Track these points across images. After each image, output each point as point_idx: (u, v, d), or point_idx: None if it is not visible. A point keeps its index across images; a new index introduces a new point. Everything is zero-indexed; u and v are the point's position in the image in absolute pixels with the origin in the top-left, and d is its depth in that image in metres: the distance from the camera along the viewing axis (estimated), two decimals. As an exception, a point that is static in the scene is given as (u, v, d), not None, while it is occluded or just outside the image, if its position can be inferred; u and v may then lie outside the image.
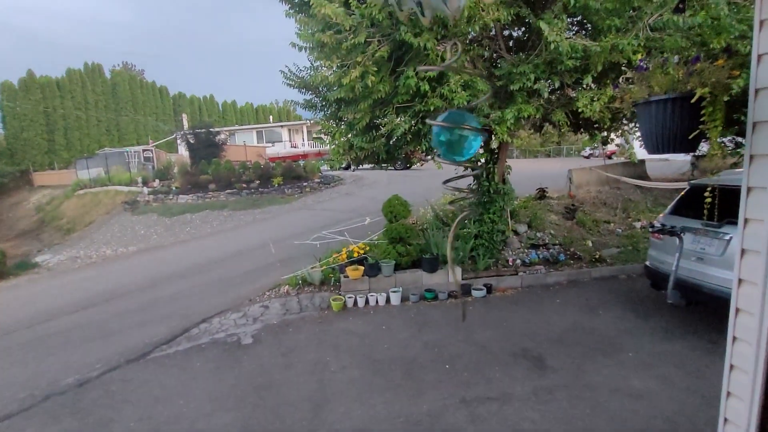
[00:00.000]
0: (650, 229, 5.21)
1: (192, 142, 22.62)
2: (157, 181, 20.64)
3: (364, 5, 4.83)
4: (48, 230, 20.66)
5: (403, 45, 5.34)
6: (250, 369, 4.47)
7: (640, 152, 8.38)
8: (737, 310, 1.83)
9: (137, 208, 17.81)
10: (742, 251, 1.79)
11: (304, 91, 7.12)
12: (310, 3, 4.75)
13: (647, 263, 5.26)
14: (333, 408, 3.64)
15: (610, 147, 12.38)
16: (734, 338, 1.85)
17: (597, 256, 6.86)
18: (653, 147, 1.91)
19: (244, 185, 18.49)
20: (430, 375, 4.06)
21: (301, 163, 21.27)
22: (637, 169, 11.32)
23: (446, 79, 5.44)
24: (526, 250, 7.02)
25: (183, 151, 25.92)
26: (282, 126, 34.44)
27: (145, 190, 19.40)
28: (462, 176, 2.12)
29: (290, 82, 6.94)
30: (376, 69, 5.26)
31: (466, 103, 5.29)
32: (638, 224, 8.35)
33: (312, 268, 6.63)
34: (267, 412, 3.65)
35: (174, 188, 18.95)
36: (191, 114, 38.81)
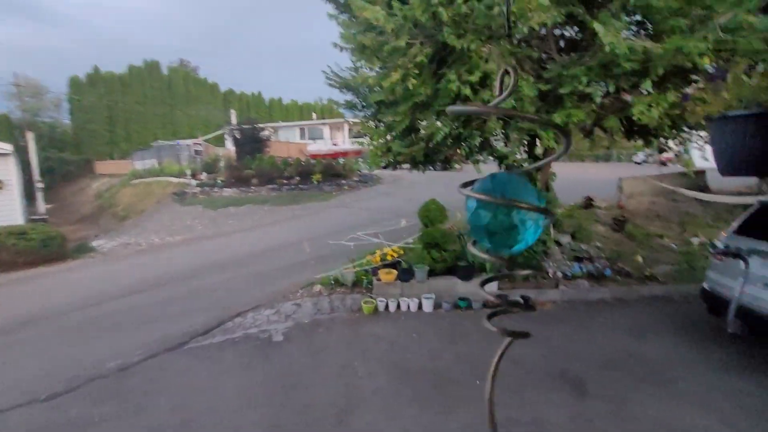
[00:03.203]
0: (712, 250, 4.76)
1: (238, 137, 23.46)
2: (204, 173, 21.59)
3: (407, 7, 4.72)
4: (105, 216, 22.15)
5: (446, 47, 5.19)
6: (280, 367, 4.51)
7: (699, 162, 7.74)
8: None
9: (185, 199, 18.69)
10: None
11: (345, 91, 7.13)
12: (351, 6, 4.72)
13: (705, 285, 4.81)
14: (359, 416, 3.58)
15: (666, 154, 11.54)
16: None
17: (648, 274, 6.39)
18: (729, 168, 1.68)
19: (285, 181, 18.95)
20: (461, 390, 3.91)
21: (341, 161, 21.50)
22: (697, 179, 10.46)
23: (490, 82, 5.24)
24: (568, 263, 6.66)
25: (230, 146, 26.98)
26: (324, 124, 34.99)
27: (193, 182, 20.34)
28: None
29: (332, 82, 6.96)
30: (417, 72, 5.14)
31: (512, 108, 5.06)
32: (696, 240, 7.70)
33: (345, 268, 6.63)
34: (293, 413, 3.65)
35: (219, 181, 19.74)
36: (240, 110, 40.31)
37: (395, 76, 5.02)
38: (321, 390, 4.00)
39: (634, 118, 5.12)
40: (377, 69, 5.52)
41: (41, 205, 20.85)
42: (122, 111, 33.98)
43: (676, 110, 5.17)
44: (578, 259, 6.76)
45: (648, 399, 3.64)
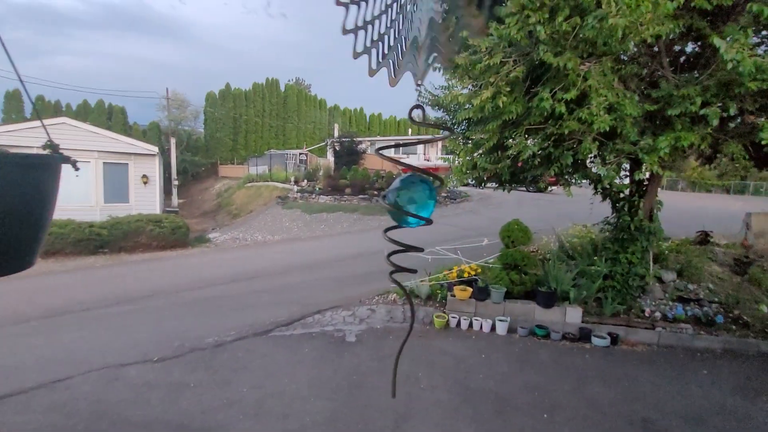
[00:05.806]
0: None
1: (338, 149, 25.09)
2: (305, 181, 23.45)
3: (502, 26, 4.74)
4: (222, 213, 25.22)
5: (542, 64, 5.07)
6: (349, 366, 4.76)
7: None
8: None
9: (286, 203, 20.48)
10: None
11: (436, 108, 7.33)
12: (447, 26, 4.89)
13: None
14: (414, 425, 3.64)
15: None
16: None
17: (774, 327, 5.40)
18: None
19: (376, 192, 19.68)
20: (524, 420, 3.75)
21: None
22: None
23: (587, 100, 4.98)
24: (670, 303, 5.91)
25: (330, 157, 28.92)
26: (419, 141, 35.61)
27: (295, 188, 22.20)
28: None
29: (424, 100, 7.21)
30: (508, 89, 5.11)
31: (608, 129, 4.76)
32: None
33: (421, 281, 6.73)
34: (354, 410, 3.85)
35: (317, 189, 21.26)
36: (342, 124, 43.03)
37: (486, 94, 5.04)
38: (383, 394, 4.14)
39: (763, 143, 4.45)
40: (469, 87, 5.60)
41: (175, 200, 24.51)
42: (244, 122, 38.70)
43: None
44: (683, 300, 5.96)
45: (751, 470, 3.11)
